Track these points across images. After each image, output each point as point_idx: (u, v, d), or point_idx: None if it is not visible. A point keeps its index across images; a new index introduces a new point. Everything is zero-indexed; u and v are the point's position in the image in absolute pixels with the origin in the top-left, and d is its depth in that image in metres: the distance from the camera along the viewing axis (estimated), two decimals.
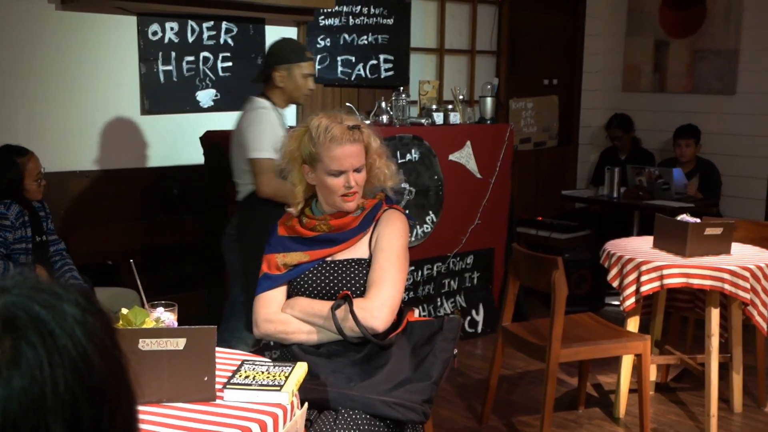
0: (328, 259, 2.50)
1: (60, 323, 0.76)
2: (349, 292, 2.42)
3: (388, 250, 2.47)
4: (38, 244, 3.56)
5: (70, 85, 4.23)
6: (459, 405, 3.98)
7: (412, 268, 4.75)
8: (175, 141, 4.58)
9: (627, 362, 3.79)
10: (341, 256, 2.49)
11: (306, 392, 2.21)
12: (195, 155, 4.39)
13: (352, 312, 2.36)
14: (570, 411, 3.93)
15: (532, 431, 3.64)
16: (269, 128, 3.51)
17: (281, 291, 2.50)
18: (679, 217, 3.81)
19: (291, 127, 2.78)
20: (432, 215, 4.78)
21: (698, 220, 3.78)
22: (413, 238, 4.70)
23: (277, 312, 2.47)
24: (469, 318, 5.06)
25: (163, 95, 4.51)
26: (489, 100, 5.15)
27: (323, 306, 2.43)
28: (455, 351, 2.51)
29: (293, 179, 2.54)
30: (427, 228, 4.76)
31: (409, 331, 2.51)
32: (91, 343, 0.78)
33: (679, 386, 4.26)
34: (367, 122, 4.56)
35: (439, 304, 4.91)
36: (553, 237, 5.80)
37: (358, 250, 2.50)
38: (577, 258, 5.56)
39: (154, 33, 4.44)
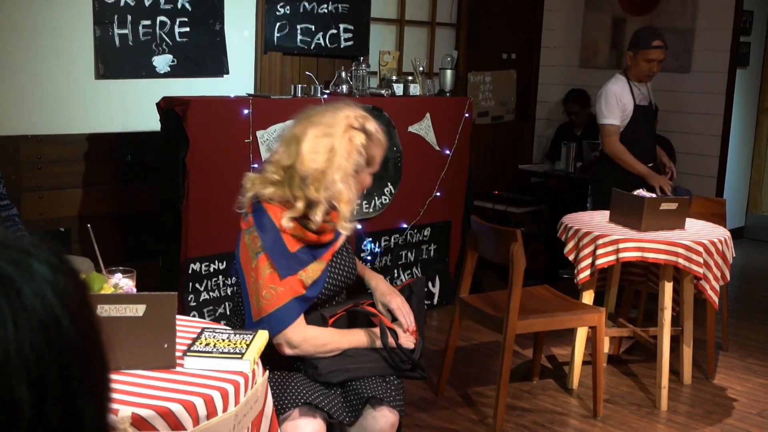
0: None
1: (28, 281, 0.73)
2: (393, 327, 2.44)
3: None
4: None
5: (21, 47, 4.10)
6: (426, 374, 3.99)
7: (370, 239, 4.74)
8: (131, 107, 4.48)
9: (581, 334, 3.84)
10: (336, 247, 2.44)
11: (345, 373, 2.33)
12: (150, 122, 4.30)
13: (400, 348, 2.40)
14: (524, 382, 3.97)
15: (488, 402, 3.67)
16: (613, 100, 4.58)
17: None
18: (635, 192, 3.86)
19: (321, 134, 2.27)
20: (390, 186, 4.77)
21: (654, 195, 3.83)
22: (371, 209, 4.69)
23: (305, 328, 2.32)
24: (425, 290, 5.07)
25: (119, 60, 4.40)
26: (449, 73, 5.14)
27: (360, 336, 2.40)
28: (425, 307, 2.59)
29: (348, 194, 2.26)
30: (385, 199, 4.75)
31: None
32: (60, 303, 0.74)
33: (630, 358, 4.33)
34: (327, 92, 4.53)
35: (396, 275, 4.92)
36: (509, 211, 5.84)
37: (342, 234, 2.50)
38: (532, 232, 5.61)
39: None
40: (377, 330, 2.40)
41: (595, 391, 3.58)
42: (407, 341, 2.42)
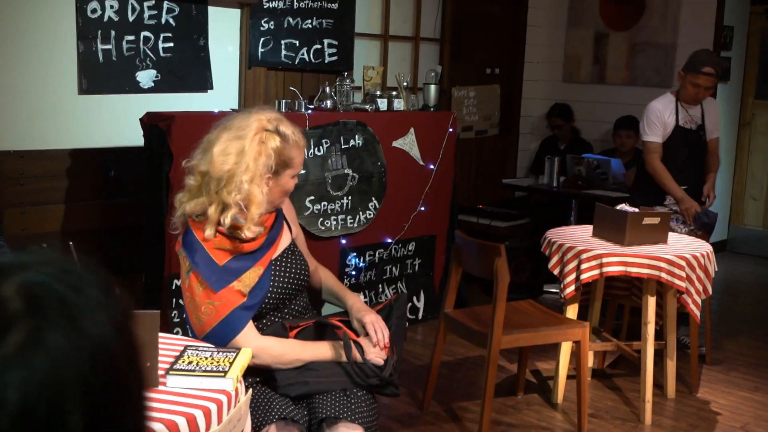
0: (272, 259, 2.45)
1: (85, 307, 0.73)
2: (358, 340, 2.41)
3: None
4: None
5: (4, 62, 4.08)
6: (400, 391, 3.98)
7: (354, 254, 4.74)
8: (114, 122, 4.47)
9: (566, 349, 3.85)
10: (278, 251, 2.47)
11: (305, 386, 2.31)
12: (133, 137, 4.29)
13: (366, 365, 2.39)
14: (509, 397, 3.97)
15: (473, 417, 3.67)
16: (654, 117, 4.60)
17: None
18: (618, 207, 3.88)
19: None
20: (375, 201, 4.77)
21: (637, 210, 3.85)
22: (355, 224, 4.69)
23: (261, 339, 2.32)
24: (410, 305, 5.07)
25: (102, 75, 4.39)
26: (432, 88, 5.15)
27: (324, 348, 2.39)
28: (407, 324, 2.57)
29: (258, 195, 2.27)
30: (369, 214, 4.75)
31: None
32: (113, 329, 0.74)
33: (615, 372, 4.34)
34: (311, 107, 4.54)
35: (380, 290, 4.91)
36: (494, 225, 5.86)
37: (284, 238, 2.53)
38: (517, 246, 5.62)
39: (93, 10, 4.32)
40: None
41: (579, 405, 3.58)
42: (375, 356, 2.41)
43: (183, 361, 1.97)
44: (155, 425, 1.68)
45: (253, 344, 2.28)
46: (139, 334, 1.84)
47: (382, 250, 4.87)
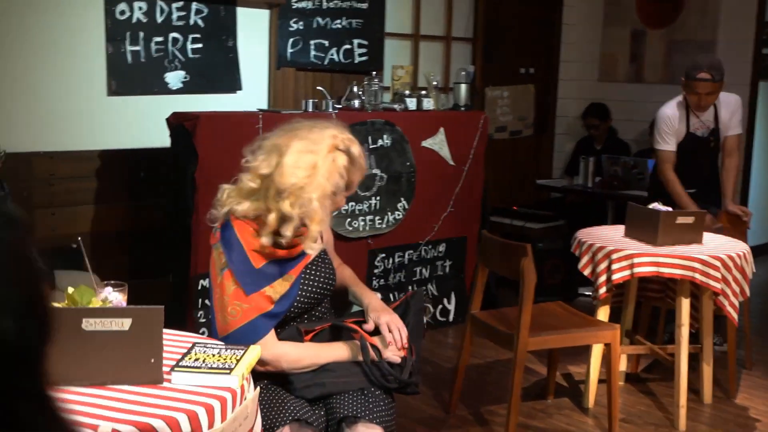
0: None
1: None
2: (376, 344, 2.35)
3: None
4: None
5: (35, 64, 4.12)
6: (426, 394, 3.93)
7: (384, 255, 4.69)
8: (143, 123, 4.48)
9: (597, 352, 3.75)
10: (309, 259, 2.40)
11: (320, 388, 2.26)
12: (163, 138, 4.28)
13: (383, 362, 2.33)
14: (539, 400, 3.89)
15: (500, 420, 3.59)
16: (663, 125, 4.50)
17: None
18: (651, 206, 3.77)
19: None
20: (404, 202, 4.71)
21: (670, 209, 3.75)
22: (384, 225, 4.63)
23: (278, 345, 2.27)
24: (440, 307, 5.01)
25: (131, 76, 4.41)
26: (463, 87, 5.09)
27: (340, 349, 2.34)
28: (425, 320, 2.50)
29: (324, 216, 2.24)
30: (398, 215, 4.70)
31: None
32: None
33: (649, 377, 4.23)
34: (338, 107, 4.50)
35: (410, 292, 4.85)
36: (527, 226, 5.76)
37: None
38: (551, 248, 5.52)
39: (122, 12, 4.33)
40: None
41: (610, 410, 3.48)
42: (393, 356, 2.35)
43: (189, 358, 1.93)
44: (155, 422, 1.65)
45: (271, 351, 2.24)
46: (144, 329, 1.81)
47: (412, 251, 4.81)
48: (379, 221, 4.61)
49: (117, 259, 4.39)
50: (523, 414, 3.68)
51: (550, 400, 3.88)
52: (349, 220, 4.47)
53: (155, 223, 4.45)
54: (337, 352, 2.32)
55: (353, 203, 4.46)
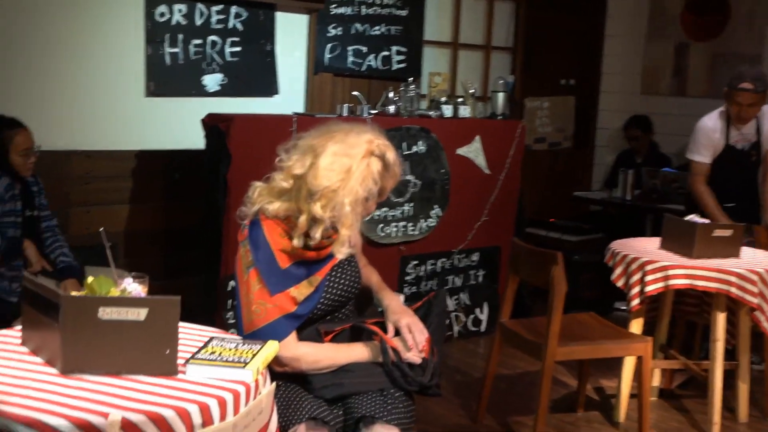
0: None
1: None
2: (396, 346, 2.32)
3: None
4: (28, 218, 3.51)
5: (75, 64, 4.18)
6: (454, 403, 3.88)
7: (416, 262, 4.65)
8: (179, 125, 4.51)
9: (629, 365, 3.68)
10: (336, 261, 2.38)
11: (339, 388, 2.23)
12: (198, 140, 4.31)
13: (403, 363, 2.30)
14: (568, 413, 3.82)
15: (526, 431, 3.52)
16: (701, 136, 4.41)
17: None
18: (687, 218, 3.70)
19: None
20: (437, 209, 4.68)
21: (707, 221, 3.67)
22: (417, 232, 4.60)
23: (298, 346, 2.26)
24: (473, 316, 4.96)
25: (169, 78, 4.45)
26: (501, 95, 5.04)
27: (359, 350, 2.32)
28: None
29: (355, 219, 2.20)
30: (431, 222, 4.66)
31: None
32: None
33: (684, 393, 4.13)
34: (374, 112, 4.48)
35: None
36: (564, 239, 5.68)
37: None
38: (587, 261, 5.43)
39: (162, 15, 4.38)
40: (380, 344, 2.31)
41: (640, 424, 3.40)
42: (413, 357, 2.31)
43: (206, 351, 1.93)
44: (166, 412, 1.64)
45: (291, 353, 2.22)
46: (160, 320, 1.80)
47: (445, 259, 4.77)
48: (412, 228, 4.58)
49: (151, 259, 4.42)
50: (551, 426, 3.62)
51: (579, 413, 3.81)
52: (381, 225, 4.45)
53: (189, 224, 4.48)
54: (356, 353, 2.30)
55: (386, 209, 4.44)
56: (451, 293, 4.85)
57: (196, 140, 4.38)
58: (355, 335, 2.40)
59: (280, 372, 2.24)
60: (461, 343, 4.83)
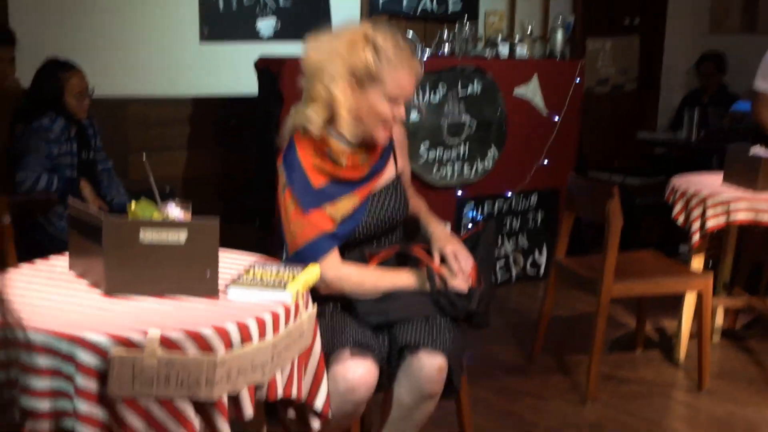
0: (372, 191, 2.34)
1: None
2: (443, 273, 2.29)
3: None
4: (84, 160, 3.58)
5: (130, 11, 4.22)
6: (510, 342, 3.86)
7: (472, 204, 4.61)
8: (234, 70, 4.53)
9: (689, 302, 3.58)
10: (380, 184, 2.35)
11: (384, 315, 2.21)
12: (253, 85, 4.33)
13: (450, 297, 2.27)
14: (627, 352, 3.75)
15: (582, 369, 3.48)
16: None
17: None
18: (752, 151, 3.56)
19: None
20: (494, 151, 4.61)
21: None
22: (473, 174, 4.55)
23: (342, 267, 2.24)
24: (531, 259, 4.90)
25: (223, 23, 4.46)
26: (559, 35, 4.91)
27: (405, 277, 2.29)
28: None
29: (337, 93, 2.16)
30: (488, 164, 4.60)
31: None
32: None
33: (748, 334, 4.02)
34: (428, 54, 4.42)
35: (500, 243, 4.76)
36: (626, 182, 5.56)
37: (389, 171, 2.40)
38: (649, 203, 5.31)
39: None
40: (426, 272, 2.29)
41: (700, 362, 3.33)
42: (459, 284, 2.28)
43: (247, 275, 1.94)
44: (204, 330, 1.65)
45: (334, 273, 2.22)
46: (200, 243, 1.81)
47: (502, 201, 4.71)
48: (468, 169, 4.53)
49: (207, 204, 4.44)
50: (609, 364, 3.57)
51: (638, 352, 3.74)
52: (436, 167, 4.41)
53: (244, 170, 4.51)
54: (402, 279, 2.28)
55: (441, 149, 4.40)
56: (508, 236, 4.80)
57: (251, 86, 4.39)
58: (402, 263, 2.38)
59: (325, 294, 2.23)
60: (519, 286, 4.79)
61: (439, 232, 2.39)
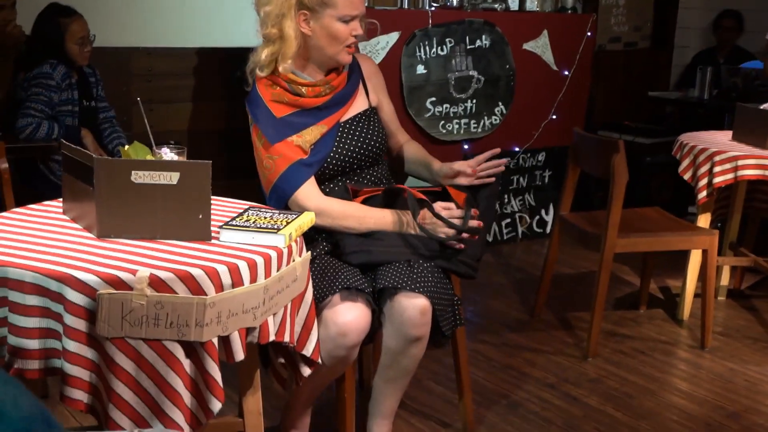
0: (341, 120, 2.35)
1: None
2: (424, 198, 2.24)
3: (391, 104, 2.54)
4: (86, 108, 3.55)
5: None
6: (513, 299, 3.84)
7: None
8: (240, 21, 4.46)
9: (694, 261, 3.56)
10: (349, 114, 2.38)
11: (367, 255, 2.20)
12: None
13: (439, 217, 2.21)
14: (630, 310, 3.74)
15: (585, 326, 3.47)
16: None
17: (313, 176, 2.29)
18: (762, 106, 3.50)
19: None
20: (501, 106, 4.56)
21: None
22: (480, 129, 4.50)
23: (324, 199, 2.25)
24: (537, 218, 4.87)
25: None
26: None
27: (389, 216, 2.25)
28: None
29: (287, 29, 2.22)
30: (495, 119, 4.55)
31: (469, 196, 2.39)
32: None
33: (754, 294, 3.99)
34: (435, 4, 4.34)
35: (506, 200, 4.73)
36: (637, 141, 5.49)
37: (359, 102, 2.42)
38: (659, 162, 5.25)
39: None
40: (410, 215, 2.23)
41: (703, 320, 3.30)
42: (448, 213, 2.21)
43: (241, 219, 1.92)
44: (194, 270, 1.64)
45: (314, 203, 2.23)
46: (192, 184, 1.79)
47: (509, 159, 4.67)
48: (475, 125, 4.48)
49: (212, 157, 4.41)
50: (611, 322, 3.55)
51: (642, 311, 3.72)
52: (443, 122, 4.36)
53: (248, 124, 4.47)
54: (386, 219, 2.25)
55: (447, 105, 4.35)
56: (515, 194, 4.76)
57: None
58: (389, 203, 2.34)
59: (312, 233, 2.23)
60: (525, 243, 4.77)
61: (443, 165, 2.39)
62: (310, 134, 2.27)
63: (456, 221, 2.21)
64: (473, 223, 2.21)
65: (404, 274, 2.16)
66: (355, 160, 2.35)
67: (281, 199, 2.24)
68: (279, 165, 2.23)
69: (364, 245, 2.21)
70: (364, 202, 2.31)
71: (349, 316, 2.10)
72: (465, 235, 2.21)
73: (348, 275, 2.16)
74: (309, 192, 2.23)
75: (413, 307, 2.13)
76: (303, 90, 2.27)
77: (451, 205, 2.26)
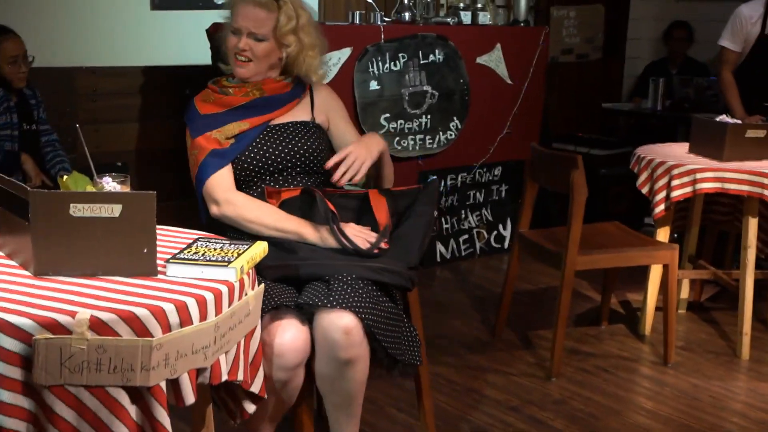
0: (272, 123, 2.38)
1: None
2: (335, 211, 2.21)
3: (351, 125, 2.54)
4: (26, 132, 3.41)
5: None
6: (473, 317, 3.77)
7: (435, 177, 4.49)
8: (187, 39, 4.35)
9: (655, 275, 3.53)
10: (283, 119, 2.40)
11: (284, 269, 2.13)
12: (207, 53, 4.17)
13: (348, 240, 2.17)
14: (592, 326, 3.69)
15: (547, 345, 3.41)
16: (737, 22, 4.25)
17: (230, 169, 2.31)
18: (718, 119, 3.49)
19: None
20: (456, 121, 4.50)
21: (739, 122, 3.46)
22: (435, 145, 4.44)
23: (235, 192, 2.29)
24: (495, 233, 4.82)
25: None
26: (523, 1, 4.80)
27: (300, 227, 2.23)
28: (435, 213, 2.32)
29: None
30: (450, 135, 4.49)
31: (390, 201, 2.33)
32: None
33: (714, 306, 3.98)
34: (387, 20, 4.27)
35: (463, 216, 4.67)
36: (592, 153, 5.48)
37: (299, 113, 2.43)
38: (615, 174, 5.24)
39: None
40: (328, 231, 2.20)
41: (666, 335, 3.27)
42: (355, 235, 2.17)
43: (189, 251, 1.81)
44: (139, 310, 1.53)
45: (223, 194, 2.27)
46: (135, 216, 1.68)
47: (465, 174, 4.61)
48: (430, 141, 4.41)
49: (161, 177, 4.32)
50: (573, 339, 3.50)
51: (603, 327, 3.68)
52: (398, 138, 4.29)
53: None
54: (307, 229, 2.21)
55: (402, 121, 4.28)
56: (472, 209, 4.71)
57: (204, 54, 4.22)
58: (306, 206, 2.29)
59: (217, 216, 2.27)
60: (484, 260, 4.71)
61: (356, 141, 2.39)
62: (230, 130, 2.32)
63: (360, 242, 2.16)
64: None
65: (322, 290, 2.05)
66: (279, 164, 2.33)
67: (198, 190, 2.31)
68: (198, 158, 2.29)
69: (281, 259, 2.14)
70: (284, 205, 2.28)
71: (286, 337, 2.02)
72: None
73: (274, 293, 2.06)
74: (220, 181, 2.26)
75: (336, 327, 2.00)
76: (230, 90, 2.38)
77: (366, 230, 2.23)
